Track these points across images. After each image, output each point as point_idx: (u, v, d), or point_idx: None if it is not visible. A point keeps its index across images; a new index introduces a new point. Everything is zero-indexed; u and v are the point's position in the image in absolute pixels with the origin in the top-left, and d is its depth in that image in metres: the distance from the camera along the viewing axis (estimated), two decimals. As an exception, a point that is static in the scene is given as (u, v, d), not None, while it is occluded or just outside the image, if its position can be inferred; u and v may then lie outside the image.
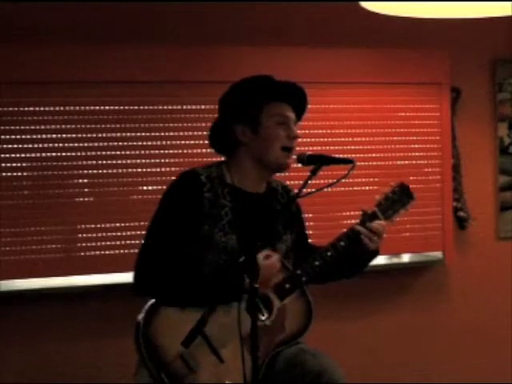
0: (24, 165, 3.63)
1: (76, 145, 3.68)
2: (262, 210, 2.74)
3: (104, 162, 3.72)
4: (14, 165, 3.63)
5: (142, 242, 2.68)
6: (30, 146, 3.63)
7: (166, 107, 3.80)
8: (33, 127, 3.63)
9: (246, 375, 2.43)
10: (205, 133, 3.74)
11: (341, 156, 2.72)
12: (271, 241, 2.72)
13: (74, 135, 3.68)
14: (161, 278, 2.60)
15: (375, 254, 2.80)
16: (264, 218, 2.71)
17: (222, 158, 2.86)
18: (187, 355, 2.51)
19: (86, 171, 3.70)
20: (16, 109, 3.61)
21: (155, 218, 2.68)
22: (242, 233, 2.65)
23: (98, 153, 3.71)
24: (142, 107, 3.75)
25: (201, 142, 3.82)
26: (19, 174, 3.64)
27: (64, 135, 3.67)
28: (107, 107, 3.73)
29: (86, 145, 3.69)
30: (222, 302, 2.55)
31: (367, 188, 4.08)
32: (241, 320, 2.48)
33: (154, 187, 3.74)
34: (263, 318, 2.62)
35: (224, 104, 2.78)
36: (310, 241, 2.97)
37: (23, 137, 3.63)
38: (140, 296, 2.62)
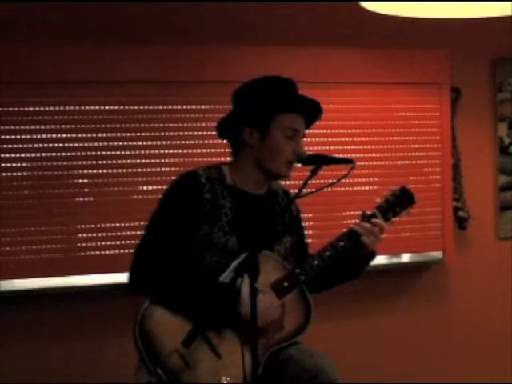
0: (24, 165, 3.63)
1: (76, 145, 3.68)
2: (262, 211, 2.74)
3: (104, 161, 3.72)
4: (14, 165, 3.62)
5: (139, 240, 2.69)
6: (30, 145, 3.63)
7: (165, 107, 3.80)
8: (33, 127, 3.63)
9: (246, 372, 2.43)
10: (205, 133, 3.79)
11: (341, 156, 2.72)
12: (270, 242, 2.72)
13: (73, 135, 3.68)
14: (155, 279, 2.62)
15: (372, 255, 2.79)
16: (264, 219, 2.72)
17: (223, 159, 2.86)
18: (184, 351, 2.52)
19: (86, 171, 3.70)
20: (16, 109, 3.60)
21: (153, 218, 2.70)
22: (241, 233, 2.66)
23: (98, 153, 3.71)
24: (141, 107, 3.75)
25: (201, 141, 3.83)
26: (19, 173, 3.64)
27: (64, 135, 3.67)
28: (107, 107, 3.73)
29: (85, 145, 3.69)
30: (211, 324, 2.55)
31: (367, 188, 4.08)
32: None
33: (154, 187, 3.74)
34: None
35: (238, 101, 2.77)
36: (309, 249, 2.95)
37: (23, 137, 3.63)
38: (135, 294, 2.63)
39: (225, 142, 2.87)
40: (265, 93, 2.70)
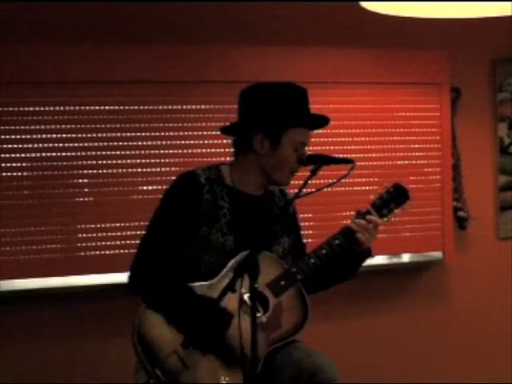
0: (24, 165, 3.63)
1: (76, 145, 3.68)
2: (260, 212, 2.75)
3: (104, 161, 3.72)
4: (14, 165, 3.62)
5: (140, 241, 2.70)
6: (30, 145, 3.63)
7: (165, 107, 3.80)
8: (33, 127, 3.63)
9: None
10: (205, 133, 3.79)
11: (341, 156, 2.72)
12: (268, 242, 2.73)
13: (73, 135, 3.68)
14: (153, 281, 2.62)
15: (368, 253, 2.79)
16: (262, 220, 2.72)
17: (223, 159, 2.86)
18: (182, 352, 2.52)
19: (86, 171, 3.70)
20: (16, 109, 3.60)
21: (153, 219, 2.70)
22: (239, 234, 2.66)
23: (98, 153, 3.71)
24: (141, 107, 3.75)
25: (201, 141, 3.83)
26: (19, 173, 3.64)
27: (64, 135, 3.67)
28: (107, 107, 3.73)
29: (86, 145, 3.69)
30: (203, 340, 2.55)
31: (367, 188, 4.07)
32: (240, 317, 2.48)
33: (154, 187, 3.74)
34: (259, 314, 2.62)
35: (250, 105, 2.74)
36: (306, 250, 2.94)
37: (23, 137, 3.63)
38: (134, 294, 2.63)
39: (225, 141, 2.86)
40: (281, 104, 2.69)
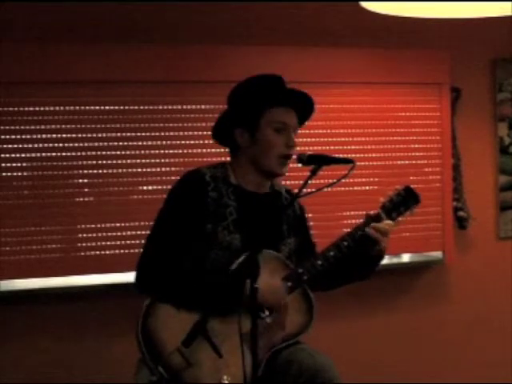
0: (24, 165, 3.63)
1: (76, 145, 3.68)
2: (267, 211, 2.74)
3: (104, 161, 3.72)
4: (14, 165, 3.63)
5: (145, 240, 2.69)
6: (30, 145, 3.63)
7: (166, 107, 3.80)
8: (33, 127, 3.63)
9: (246, 372, 2.43)
10: (205, 133, 3.78)
11: (341, 156, 2.71)
12: (275, 242, 2.73)
13: (74, 135, 3.68)
14: (163, 277, 2.61)
15: (381, 256, 2.78)
16: (268, 219, 2.72)
17: (223, 159, 2.86)
18: (185, 350, 2.52)
19: (86, 171, 3.70)
20: (16, 109, 3.60)
21: (159, 217, 2.69)
22: (245, 232, 2.66)
23: (98, 153, 3.71)
24: (141, 107, 3.75)
25: (201, 141, 3.83)
26: (19, 173, 3.64)
27: (64, 135, 3.67)
28: (107, 107, 3.73)
29: (86, 145, 3.69)
30: (222, 308, 2.56)
31: (367, 188, 4.07)
32: (241, 317, 2.48)
33: (154, 187, 3.75)
34: (264, 315, 2.62)
35: (228, 103, 2.78)
36: (316, 248, 2.94)
37: (23, 137, 3.63)
38: (142, 294, 2.63)
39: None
40: (251, 92, 2.71)
